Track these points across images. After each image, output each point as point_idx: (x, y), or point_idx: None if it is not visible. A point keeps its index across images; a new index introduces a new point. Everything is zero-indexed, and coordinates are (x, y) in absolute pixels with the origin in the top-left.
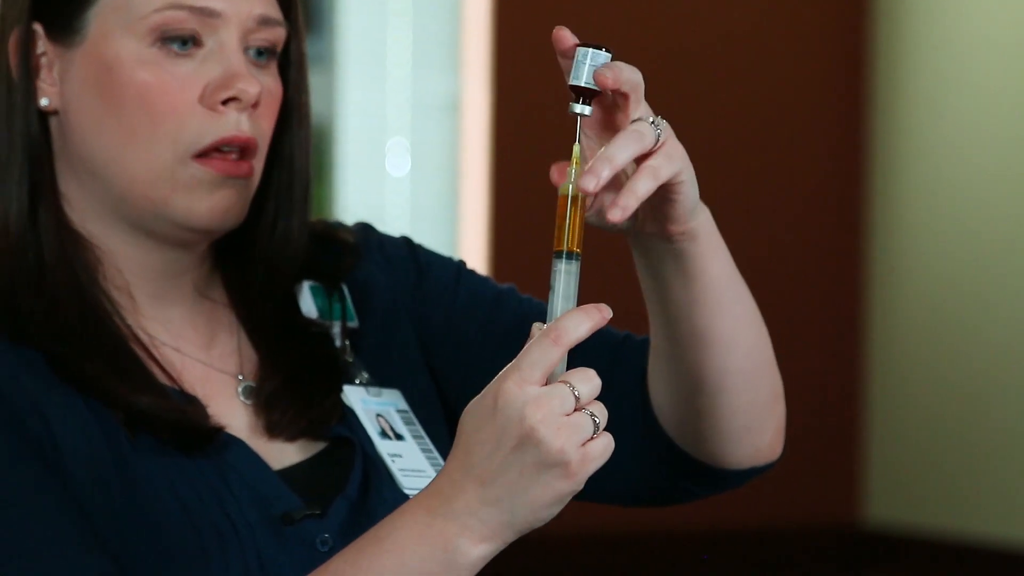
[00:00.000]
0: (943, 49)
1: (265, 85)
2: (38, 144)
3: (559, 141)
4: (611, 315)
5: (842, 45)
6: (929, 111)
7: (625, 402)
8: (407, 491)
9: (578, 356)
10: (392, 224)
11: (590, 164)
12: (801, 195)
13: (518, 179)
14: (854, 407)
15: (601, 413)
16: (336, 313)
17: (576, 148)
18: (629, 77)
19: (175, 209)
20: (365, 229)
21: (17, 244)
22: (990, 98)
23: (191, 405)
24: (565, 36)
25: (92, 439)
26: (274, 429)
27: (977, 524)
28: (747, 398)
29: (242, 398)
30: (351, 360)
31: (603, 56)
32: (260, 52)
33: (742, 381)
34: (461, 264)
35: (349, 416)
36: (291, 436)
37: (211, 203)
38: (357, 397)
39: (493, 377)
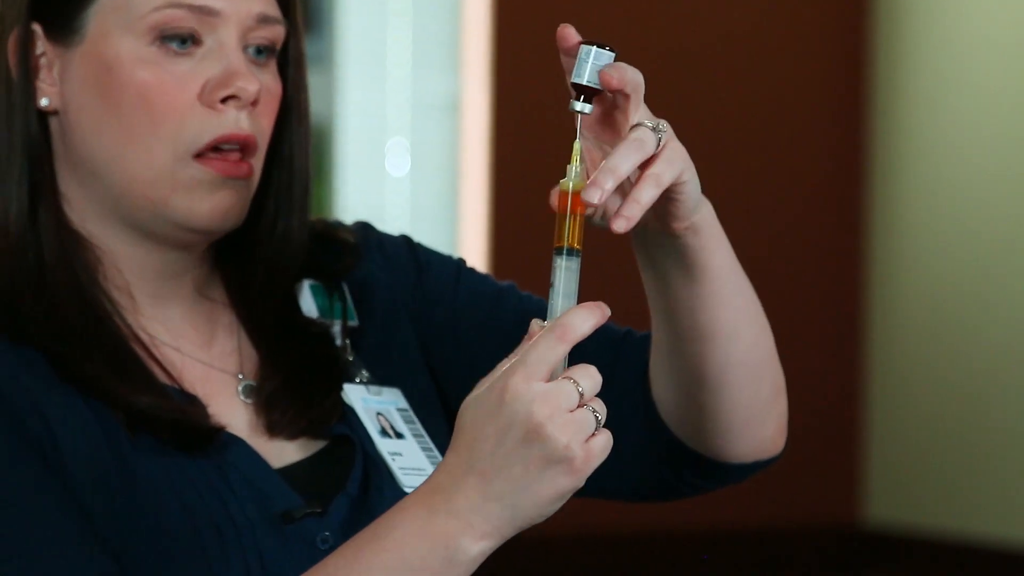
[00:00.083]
0: (943, 49)
1: (264, 83)
2: (38, 144)
3: (559, 141)
4: (610, 313)
5: (842, 45)
6: (929, 111)
7: (627, 398)
8: (407, 489)
9: (580, 352)
10: (392, 224)
11: (593, 176)
12: (801, 195)
13: (518, 179)
14: (854, 407)
15: (601, 409)
16: (336, 312)
17: (576, 145)
18: (632, 78)
19: (175, 210)
20: (365, 228)
21: (17, 244)
22: (990, 98)
23: (191, 405)
24: (570, 34)
25: (92, 439)
26: (274, 428)
27: (977, 524)
28: (749, 392)
29: (242, 397)
30: (351, 359)
31: (606, 55)
32: (259, 50)
33: (744, 374)
34: (461, 262)
35: (349, 415)
36: (291, 435)
37: (211, 204)
38: (357, 396)
39: None
